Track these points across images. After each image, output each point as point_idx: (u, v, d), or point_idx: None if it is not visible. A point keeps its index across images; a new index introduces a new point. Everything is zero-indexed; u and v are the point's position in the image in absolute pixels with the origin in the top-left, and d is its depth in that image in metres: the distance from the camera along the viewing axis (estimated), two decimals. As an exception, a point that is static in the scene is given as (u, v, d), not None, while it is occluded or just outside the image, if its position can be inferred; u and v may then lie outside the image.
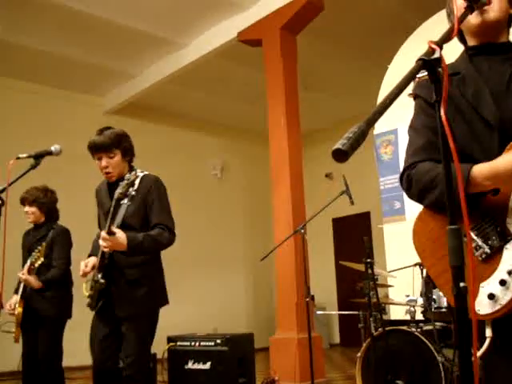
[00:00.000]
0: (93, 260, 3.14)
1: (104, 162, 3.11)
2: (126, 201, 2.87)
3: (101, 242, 2.91)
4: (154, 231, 3.04)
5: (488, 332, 1.54)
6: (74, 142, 5.79)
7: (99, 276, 3.02)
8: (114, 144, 3.11)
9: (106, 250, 2.93)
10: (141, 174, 3.16)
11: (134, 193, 2.95)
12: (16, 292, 4.52)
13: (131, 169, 3.23)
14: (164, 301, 3.27)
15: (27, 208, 4.47)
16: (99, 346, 3.10)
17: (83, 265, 3.14)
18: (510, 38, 1.79)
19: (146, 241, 2.96)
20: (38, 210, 4.50)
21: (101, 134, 3.12)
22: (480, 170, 1.53)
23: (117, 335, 3.06)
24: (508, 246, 1.53)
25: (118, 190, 2.80)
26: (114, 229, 2.86)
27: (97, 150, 3.10)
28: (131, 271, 3.05)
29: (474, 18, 1.69)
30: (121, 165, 3.17)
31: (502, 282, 1.51)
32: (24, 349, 4.49)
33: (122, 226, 2.97)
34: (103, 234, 2.86)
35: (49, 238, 4.43)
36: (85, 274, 3.13)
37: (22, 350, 4.52)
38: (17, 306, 4.39)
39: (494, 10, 1.67)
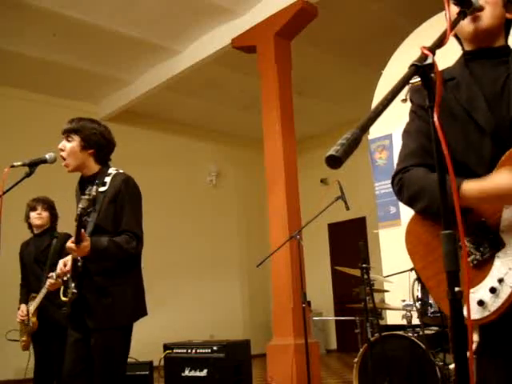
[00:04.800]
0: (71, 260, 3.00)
1: (60, 144, 2.99)
2: (90, 218, 2.76)
3: (69, 251, 2.79)
4: (120, 238, 2.88)
5: (475, 337, 1.56)
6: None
7: (72, 285, 2.90)
8: (74, 129, 2.98)
9: (72, 256, 2.81)
10: (113, 172, 3.00)
11: (101, 189, 2.87)
12: (25, 302, 4.50)
13: (105, 168, 3.06)
14: (139, 313, 3.02)
15: (39, 211, 4.53)
16: (70, 354, 2.93)
17: (62, 263, 2.98)
18: (510, 43, 1.78)
19: (110, 247, 2.81)
20: (50, 215, 4.59)
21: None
22: (470, 188, 1.53)
23: (88, 346, 2.90)
24: (500, 254, 1.54)
25: (80, 205, 2.62)
26: (84, 236, 2.72)
27: (62, 132, 3.01)
28: (99, 278, 2.90)
29: (467, 26, 1.68)
30: (78, 155, 2.98)
31: (492, 290, 1.52)
32: (37, 360, 4.48)
33: (95, 231, 2.87)
34: (69, 244, 2.73)
35: (55, 245, 4.45)
36: (64, 274, 2.99)
37: (34, 362, 4.50)
38: (31, 315, 4.36)
39: (487, 17, 1.66)
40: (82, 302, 2.92)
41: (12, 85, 8.82)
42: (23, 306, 4.49)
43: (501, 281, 1.51)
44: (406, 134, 1.81)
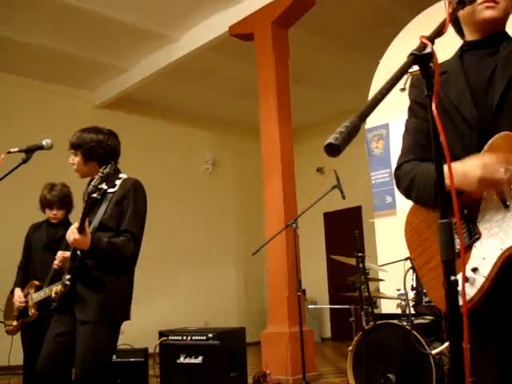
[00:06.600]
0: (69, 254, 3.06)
1: (69, 159, 3.15)
2: (96, 195, 2.78)
3: (68, 235, 2.83)
4: (119, 239, 2.94)
5: None
6: (64, 136, 5.74)
7: (67, 277, 2.94)
8: (75, 145, 3.11)
9: (69, 242, 2.85)
10: (124, 177, 3.12)
11: (110, 190, 2.97)
12: (21, 286, 4.45)
13: (114, 172, 3.14)
14: (126, 315, 3.07)
15: (55, 211, 4.43)
16: (48, 346, 2.96)
17: (61, 254, 3.08)
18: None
19: (108, 249, 2.88)
20: (65, 211, 4.50)
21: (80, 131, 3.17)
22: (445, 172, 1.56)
23: (72, 340, 2.91)
24: (477, 244, 1.58)
25: (92, 183, 2.78)
26: (87, 228, 2.79)
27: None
28: (96, 272, 2.96)
29: (480, 12, 1.69)
30: (83, 168, 3.13)
31: (465, 279, 1.55)
32: (27, 344, 4.43)
33: (100, 227, 2.95)
34: (74, 227, 2.79)
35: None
36: (62, 262, 3.06)
37: (23, 351, 4.46)
38: (31, 305, 4.25)
39: (500, 9, 1.69)
40: (72, 295, 2.95)
41: (9, 71, 8.75)
42: (18, 291, 4.46)
43: (475, 270, 1.55)
44: (405, 131, 1.88)
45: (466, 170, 1.54)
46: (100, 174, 2.77)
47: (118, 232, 2.99)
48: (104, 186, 2.79)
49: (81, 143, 3.10)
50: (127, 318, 3.08)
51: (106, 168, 2.80)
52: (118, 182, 3.05)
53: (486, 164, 1.51)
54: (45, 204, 4.44)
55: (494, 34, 1.73)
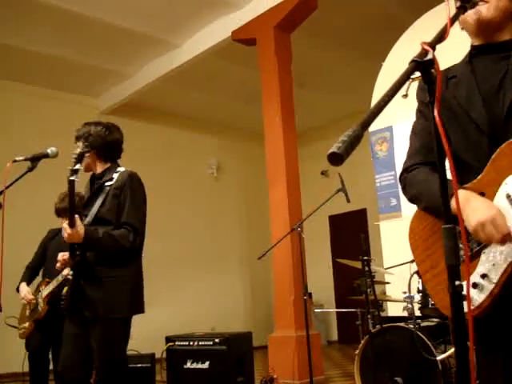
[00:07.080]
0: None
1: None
2: (74, 178, 2.78)
3: (62, 233, 2.85)
4: (117, 231, 2.94)
5: None
6: (69, 144, 5.77)
7: (70, 273, 2.96)
8: (77, 137, 3.18)
9: (65, 239, 2.86)
10: (121, 170, 3.14)
11: (107, 184, 3.02)
12: (26, 281, 4.47)
13: (113, 166, 3.21)
14: (136, 309, 3.05)
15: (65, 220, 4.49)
16: (67, 345, 2.97)
17: (61, 255, 3.09)
18: None
19: (104, 239, 2.87)
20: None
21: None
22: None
23: (87, 339, 2.93)
24: (486, 250, 1.57)
25: (69, 167, 2.79)
26: (77, 221, 2.79)
27: None
28: (99, 269, 2.95)
29: (469, 17, 1.68)
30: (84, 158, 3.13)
31: (474, 285, 1.55)
32: (33, 346, 4.44)
33: (96, 220, 2.96)
34: (64, 225, 2.81)
35: None
36: (63, 264, 3.09)
37: (30, 348, 4.47)
38: (41, 300, 4.32)
39: (490, 10, 1.66)
40: (80, 293, 2.96)
41: (13, 79, 8.80)
42: (25, 285, 4.44)
43: (484, 276, 1.54)
44: (412, 133, 1.86)
45: (471, 208, 1.52)
46: (73, 155, 2.80)
47: (118, 225, 2.99)
48: (79, 167, 2.79)
49: (81, 134, 3.18)
50: (139, 311, 3.06)
51: (77, 148, 2.84)
52: (115, 176, 3.07)
53: (494, 219, 1.49)
54: (56, 212, 4.55)
55: (505, 41, 1.70)
